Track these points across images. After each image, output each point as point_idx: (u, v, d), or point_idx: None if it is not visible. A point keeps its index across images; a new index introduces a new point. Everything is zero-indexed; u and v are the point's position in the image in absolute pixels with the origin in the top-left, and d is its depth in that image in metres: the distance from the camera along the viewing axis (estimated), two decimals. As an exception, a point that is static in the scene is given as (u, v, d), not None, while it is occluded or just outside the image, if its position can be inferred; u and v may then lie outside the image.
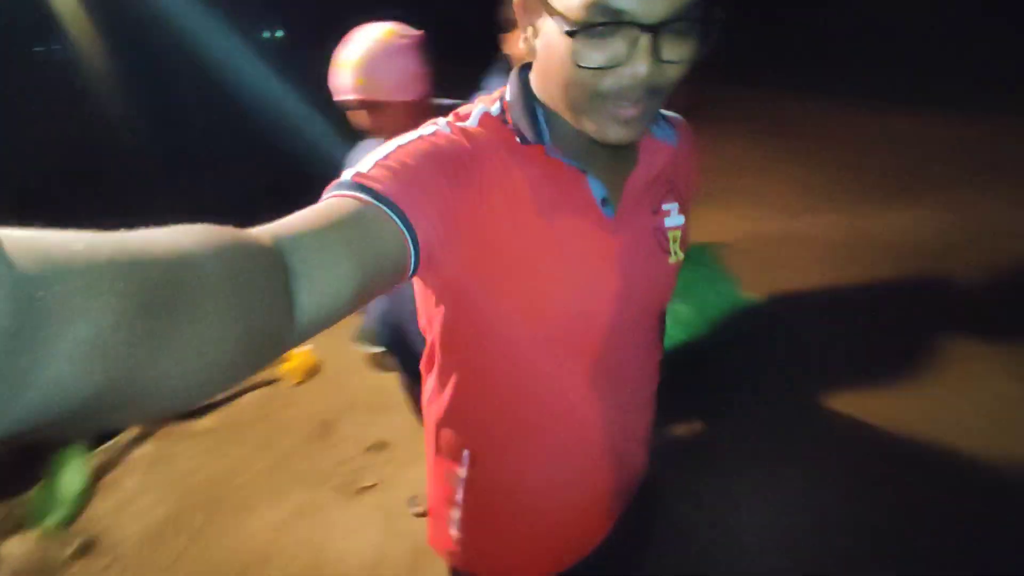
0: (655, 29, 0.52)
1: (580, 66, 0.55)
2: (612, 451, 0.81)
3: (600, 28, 0.53)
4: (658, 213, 0.73)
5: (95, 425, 0.27)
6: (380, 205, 0.50)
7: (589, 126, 0.60)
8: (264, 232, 0.39)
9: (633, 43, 0.53)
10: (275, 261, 0.37)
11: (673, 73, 0.57)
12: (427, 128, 0.62)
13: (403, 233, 0.50)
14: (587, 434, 0.77)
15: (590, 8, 0.52)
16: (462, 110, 0.67)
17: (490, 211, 0.60)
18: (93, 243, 0.25)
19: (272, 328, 0.35)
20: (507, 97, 0.67)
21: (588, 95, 0.57)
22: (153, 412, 0.29)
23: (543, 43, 0.59)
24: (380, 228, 0.49)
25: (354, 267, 0.43)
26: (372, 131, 1.37)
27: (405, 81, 1.30)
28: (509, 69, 1.49)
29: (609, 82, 0.55)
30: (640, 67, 0.53)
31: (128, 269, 0.25)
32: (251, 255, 0.35)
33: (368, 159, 0.55)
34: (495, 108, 0.66)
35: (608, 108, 0.57)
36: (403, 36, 1.31)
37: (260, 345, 0.34)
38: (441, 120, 0.64)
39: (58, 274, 0.22)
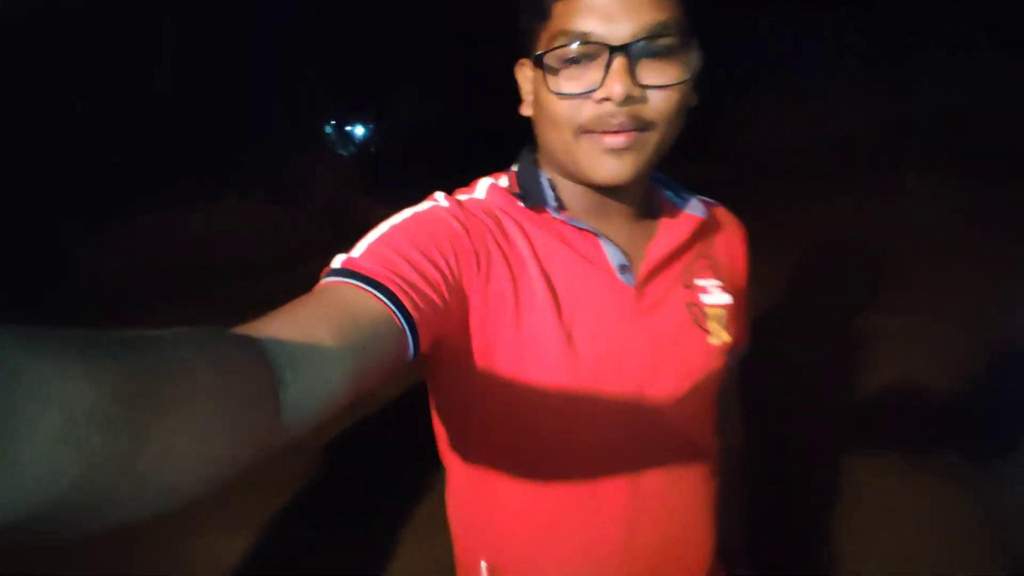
0: (625, 49, 0.53)
1: (558, 94, 0.56)
2: (656, 548, 0.70)
3: (570, 50, 0.55)
4: (692, 288, 0.69)
5: (78, 527, 0.25)
6: (370, 289, 0.49)
7: (582, 166, 0.59)
8: (249, 329, 0.40)
9: (606, 67, 0.54)
10: (260, 358, 0.37)
11: (660, 102, 0.56)
12: (423, 205, 0.62)
13: (394, 315, 0.49)
14: (619, 527, 0.67)
15: (557, 36, 0.56)
16: (466, 187, 0.68)
17: (497, 279, 0.59)
18: (67, 335, 0.25)
19: (257, 424, 0.35)
20: (514, 169, 0.68)
21: (573, 128, 0.58)
22: (137, 513, 0.27)
23: (535, 94, 0.61)
24: (370, 312, 0.48)
25: (345, 358, 0.43)
26: None
27: None
28: None
29: (589, 109, 0.56)
30: (615, 87, 0.53)
31: (104, 357, 0.25)
32: (236, 350, 0.35)
33: (361, 243, 0.55)
34: (503, 181, 0.68)
35: (594, 140, 0.57)
36: None
37: (244, 442, 0.34)
38: (439, 195, 0.64)
39: (28, 360, 0.22)
